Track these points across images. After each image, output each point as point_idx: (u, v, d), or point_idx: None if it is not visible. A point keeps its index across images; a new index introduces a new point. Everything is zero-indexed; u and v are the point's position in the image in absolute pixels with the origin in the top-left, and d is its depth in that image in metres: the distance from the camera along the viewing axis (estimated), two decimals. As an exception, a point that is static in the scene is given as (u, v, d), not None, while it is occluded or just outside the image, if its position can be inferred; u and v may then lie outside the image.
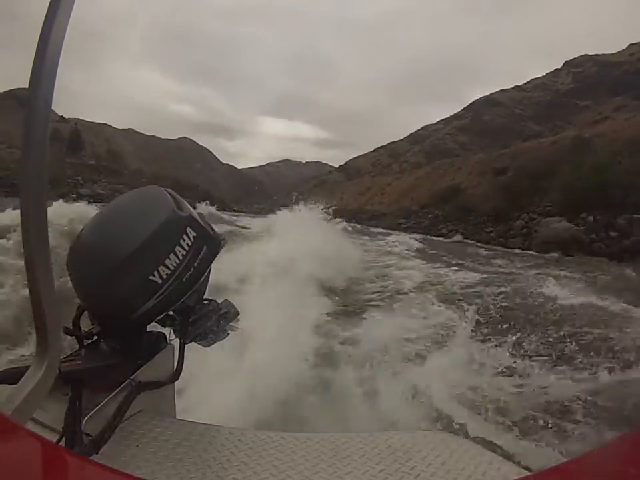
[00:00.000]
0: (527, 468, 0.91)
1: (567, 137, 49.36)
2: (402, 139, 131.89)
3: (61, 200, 9.71)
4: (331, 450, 0.91)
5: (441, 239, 31.30)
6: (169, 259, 1.00)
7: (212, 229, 1.15)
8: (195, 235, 1.05)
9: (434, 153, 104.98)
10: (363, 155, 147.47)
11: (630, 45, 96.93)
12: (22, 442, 0.56)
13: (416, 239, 22.63)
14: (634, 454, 0.46)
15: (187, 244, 1.03)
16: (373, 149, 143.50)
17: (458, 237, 31.98)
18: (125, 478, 0.59)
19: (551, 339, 5.19)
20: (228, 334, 1.26)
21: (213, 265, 1.14)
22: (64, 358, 0.95)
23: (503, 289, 8.25)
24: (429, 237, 31.23)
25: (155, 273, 0.98)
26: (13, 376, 0.76)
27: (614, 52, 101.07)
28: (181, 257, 1.02)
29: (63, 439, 0.86)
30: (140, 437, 0.94)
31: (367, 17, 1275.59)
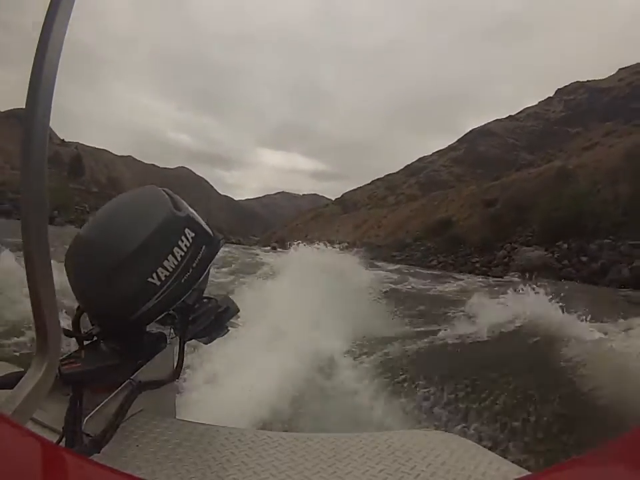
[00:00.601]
0: (527, 468, 0.93)
1: (552, 168, 52.05)
2: (398, 171, 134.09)
3: (72, 226, 11.35)
4: (331, 450, 0.92)
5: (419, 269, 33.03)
6: (168, 260, 1.00)
7: (210, 229, 1.15)
8: (193, 235, 1.06)
9: (429, 185, 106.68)
10: (359, 187, 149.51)
11: (619, 70, 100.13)
12: (22, 442, 0.56)
13: (398, 270, 24.60)
14: (634, 454, 0.46)
15: (186, 244, 1.03)
16: (369, 181, 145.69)
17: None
18: (125, 478, 0.59)
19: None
20: (228, 330, 1.26)
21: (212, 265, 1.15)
22: (64, 359, 0.96)
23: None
24: (417, 268, 32.83)
25: (154, 275, 0.99)
26: (12, 381, 0.77)
27: (605, 77, 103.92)
28: (179, 258, 1.02)
29: (64, 439, 0.87)
30: (140, 437, 0.96)
31: (366, 47, 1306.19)
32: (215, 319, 1.18)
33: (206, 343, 1.27)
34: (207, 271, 1.10)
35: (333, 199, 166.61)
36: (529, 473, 0.80)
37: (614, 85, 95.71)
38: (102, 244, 1.02)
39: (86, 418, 0.89)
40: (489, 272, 29.62)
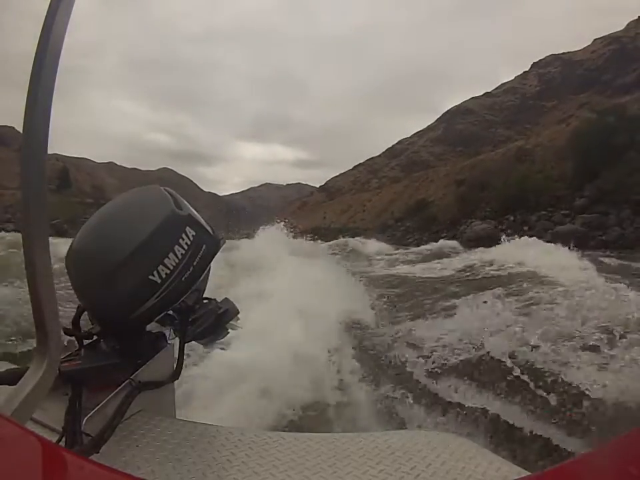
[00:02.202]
0: (527, 468, 0.92)
1: (514, 148, 57.76)
2: (379, 155, 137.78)
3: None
4: (331, 450, 0.92)
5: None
6: (169, 258, 1.03)
7: (211, 228, 1.17)
8: (194, 234, 1.08)
9: (411, 166, 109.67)
10: (342, 173, 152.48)
11: (594, 40, 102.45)
12: (22, 442, 0.57)
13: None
14: (634, 454, 0.46)
15: (187, 243, 1.06)
16: (352, 167, 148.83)
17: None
18: (125, 478, 0.60)
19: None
20: (228, 332, 1.29)
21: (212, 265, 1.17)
22: (64, 358, 0.98)
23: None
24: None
25: (155, 273, 1.01)
26: (12, 377, 0.80)
27: (580, 49, 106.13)
28: (180, 256, 1.04)
29: (63, 438, 0.88)
30: (140, 437, 0.97)
31: (336, 33, 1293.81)
32: (214, 320, 1.22)
33: (206, 345, 1.34)
34: (207, 269, 1.13)
35: (318, 187, 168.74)
36: (529, 473, 0.80)
37: (587, 57, 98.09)
38: (103, 242, 1.04)
39: (85, 418, 0.91)
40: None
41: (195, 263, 1.07)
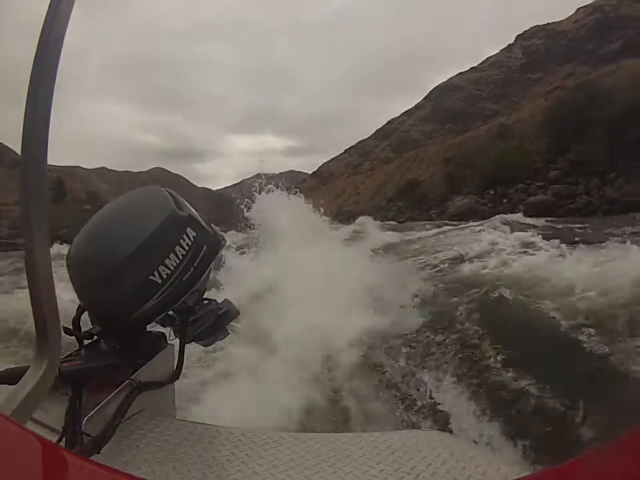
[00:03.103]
0: (526, 468, 0.96)
1: (496, 125, 60.28)
2: (370, 137, 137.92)
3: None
4: (331, 450, 0.94)
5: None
6: (169, 258, 1.04)
7: (212, 229, 1.19)
8: (194, 234, 1.10)
9: (401, 146, 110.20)
10: (334, 158, 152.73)
11: (577, 10, 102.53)
12: (22, 442, 0.57)
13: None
14: (634, 454, 0.46)
15: (187, 244, 1.07)
16: (342, 151, 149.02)
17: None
18: (125, 478, 0.60)
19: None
20: (228, 333, 1.30)
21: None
22: (64, 358, 0.99)
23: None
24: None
25: (155, 273, 1.02)
26: (13, 376, 0.80)
27: (563, 18, 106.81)
28: (181, 257, 1.06)
29: (63, 439, 0.89)
30: (140, 437, 0.98)
31: (317, 20, 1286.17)
32: (215, 321, 1.23)
33: (206, 346, 1.33)
34: (207, 270, 1.15)
35: (310, 173, 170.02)
36: (529, 473, 0.83)
37: (570, 27, 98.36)
38: (104, 242, 1.06)
39: (86, 418, 0.92)
40: (436, 219, 36.77)
41: (195, 264, 1.09)
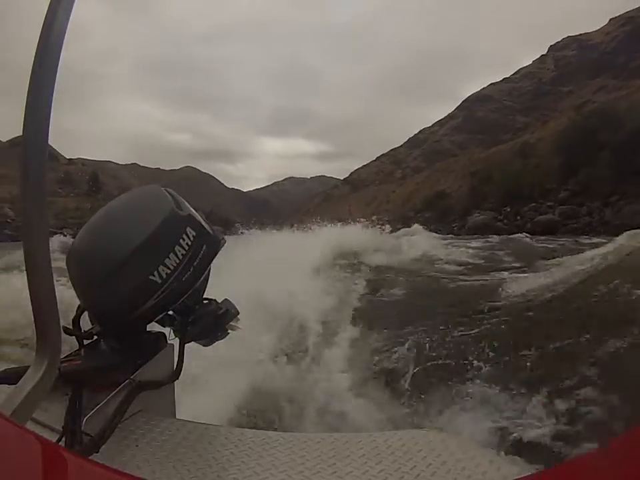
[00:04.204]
0: (526, 468, 0.96)
1: (519, 142, 63.45)
2: (402, 145, 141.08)
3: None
4: (331, 450, 0.94)
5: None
6: (169, 258, 1.05)
7: (211, 229, 1.19)
8: (194, 234, 1.10)
9: (433, 155, 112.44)
10: (365, 165, 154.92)
11: (610, 20, 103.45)
12: (22, 442, 0.59)
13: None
14: (634, 454, 0.46)
15: (187, 243, 1.08)
16: (374, 158, 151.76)
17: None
18: (125, 478, 0.60)
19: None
20: (228, 333, 1.31)
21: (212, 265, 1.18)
22: (64, 358, 0.99)
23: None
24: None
25: (155, 273, 1.03)
26: (13, 376, 0.81)
27: (596, 29, 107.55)
28: (180, 257, 1.07)
29: (63, 438, 0.90)
30: (140, 437, 0.99)
31: (347, 21, 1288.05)
32: (214, 321, 1.23)
33: (206, 346, 1.33)
34: (207, 270, 1.15)
35: (342, 179, 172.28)
36: (529, 473, 0.78)
37: (602, 39, 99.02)
38: (104, 242, 1.07)
39: (85, 417, 0.93)
40: (457, 232, 41.22)
41: (195, 264, 1.10)
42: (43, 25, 0.68)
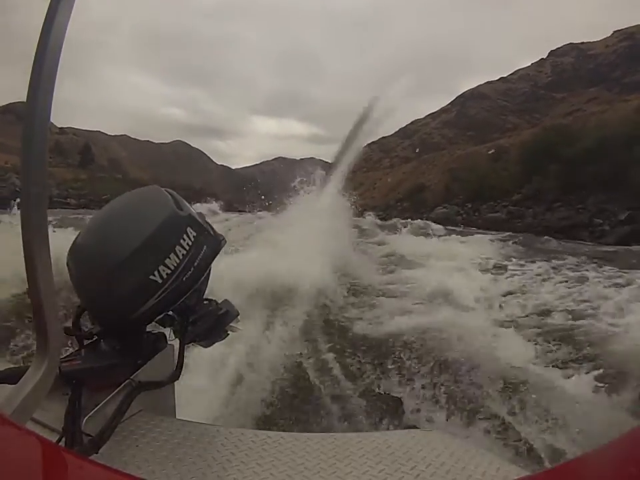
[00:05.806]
0: (527, 468, 0.98)
1: (496, 146, 67.36)
2: (392, 134, 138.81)
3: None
4: (331, 450, 0.97)
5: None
6: (169, 258, 1.07)
7: (212, 229, 1.21)
8: (195, 234, 1.13)
9: (422, 147, 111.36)
10: None
11: (614, 32, 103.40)
12: (22, 442, 0.60)
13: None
14: (634, 454, 0.47)
15: (187, 243, 1.11)
16: (364, 144, 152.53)
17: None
18: (125, 478, 0.62)
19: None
20: (228, 334, 1.34)
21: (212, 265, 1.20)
22: (64, 358, 1.01)
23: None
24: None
25: (155, 273, 1.05)
26: (13, 376, 0.82)
27: (599, 39, 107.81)
28: (181, 257, 1.09)
29: (63, 438, 0.91)
30: (140, 437, 1.01)
31: (352, 10, 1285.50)
32: (214, 322, 1.26)
33: (205, 347, 1.36)
34: (207, 270, 1.17)
35: (330, 162, 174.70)
36: (529, 473, 0.84)
37: (601, 50, 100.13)
38: (105, 242, 1.08)
39: (85, 418, 0.95)
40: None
41: (195, 264, 1.12)
42: (43, 26, 0.70)
